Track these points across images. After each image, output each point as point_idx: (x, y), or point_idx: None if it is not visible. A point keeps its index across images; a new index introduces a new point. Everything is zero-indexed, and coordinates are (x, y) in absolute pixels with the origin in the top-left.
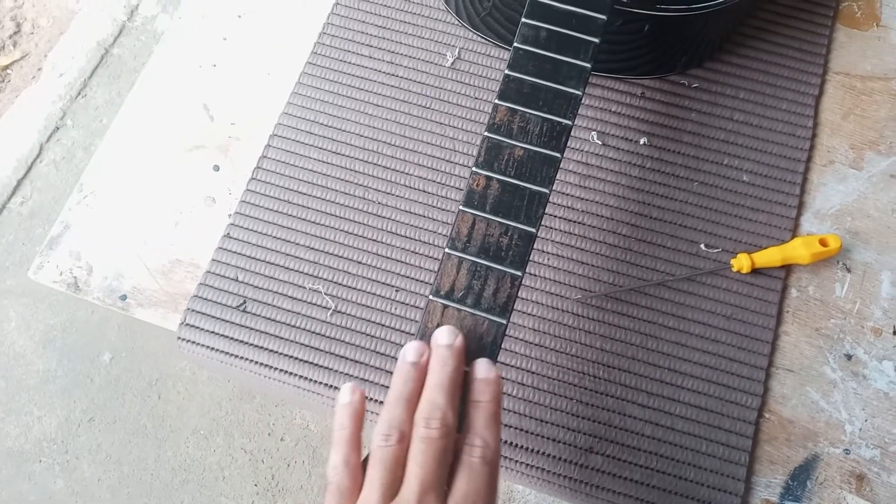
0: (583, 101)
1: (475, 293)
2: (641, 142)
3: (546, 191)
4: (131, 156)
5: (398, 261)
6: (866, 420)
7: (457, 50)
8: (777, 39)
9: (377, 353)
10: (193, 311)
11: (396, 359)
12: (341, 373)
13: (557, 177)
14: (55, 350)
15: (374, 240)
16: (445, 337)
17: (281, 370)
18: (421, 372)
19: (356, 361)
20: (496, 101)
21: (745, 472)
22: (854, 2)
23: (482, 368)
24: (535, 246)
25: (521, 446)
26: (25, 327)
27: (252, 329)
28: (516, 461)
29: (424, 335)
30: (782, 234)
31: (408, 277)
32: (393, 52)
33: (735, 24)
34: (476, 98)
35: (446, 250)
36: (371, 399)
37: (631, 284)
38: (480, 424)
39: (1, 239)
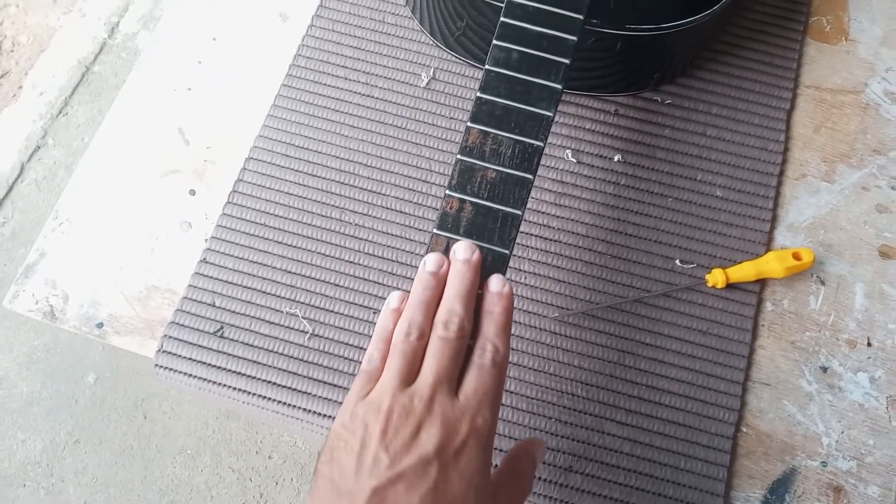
0: (557, 120)
1: None
2: (616, 159)
3: (519, 212)
4: (107, 182)
5: (376, 282)
6: (843, 432)
7: (432, 70)
8: (749, 54)
9: (354, 376)
10: (170, 337)
11: None
12: (320, 397)
13: (533, 195)
14: (39, 371)
15: (351, 262)
16: (463, 252)
17: (259, 395)
18: (439, 281)
19: (335, 385)
20: (468, 123)
21: (724, 488)
22: (823, 16)
23: (495, 283)
24: (511, 265)
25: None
26: (8, 349)
27: (230, 355)
28: None
29: None
30: (756, 248)
31: (384, 299)
32: (368, 72)
33: (706, 41)
34: (451, 118)
35: None
36: None
37: (607, 301)
38: (492, 332)
39: None
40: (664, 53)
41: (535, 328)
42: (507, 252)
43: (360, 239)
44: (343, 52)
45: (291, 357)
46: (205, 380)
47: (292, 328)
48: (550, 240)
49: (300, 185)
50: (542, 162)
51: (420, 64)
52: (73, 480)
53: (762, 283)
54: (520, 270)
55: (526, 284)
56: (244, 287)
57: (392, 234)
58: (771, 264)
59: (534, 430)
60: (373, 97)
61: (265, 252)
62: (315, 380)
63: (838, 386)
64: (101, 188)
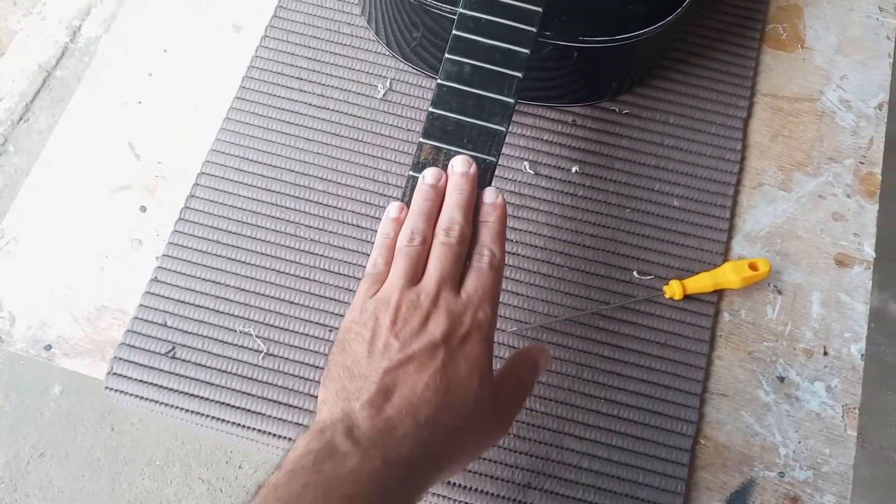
0: (514, 131)
1: None
2: (573, 170)
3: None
4: (54, 199)
5: (332, 299)
6: (800, 442)
7: (388, 81)
8: (706, 63)
9: (311, 396)
10: (121, 359)
11: None
12: (275, 418)
13: None
14: (2, 384)
15: (306, 278)
16: (461, 165)
17: (213, 417)
18: (438, 193)
19: (290, 406)
20: (420, 139)
21: (682, 501)
22: (779, 24)
23: (489, 195)
24: None
25: (458, 485)
26: None
27: (182, 376)
28: (453, 500)
29: None
30: (714, 259)
31: (341, 316)
32: (323, 84)
33: (663, 50)
34: (409, 130)
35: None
36: None
37: (565, 315)
38: (488, 239)
39: None
40: (620, 64)
41: (494, 343)
42: None
43: (316, 254)
44: (298, 63)
45: (245, 377)
46: (156, 402)
47: (246, 347)
48: (508, 252)
49: (254, 199)
50: (499, 174)
51: (377, 75)
52: (38, 495)
53: (720, 293)
54: None
55: None
56: (197, 306)
57: (348, 249)
58: (727, 275)
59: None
60: (328, 109)
61: (218, 269)
62: (270, 400)
63: (795, 395)
64: (49, 205)
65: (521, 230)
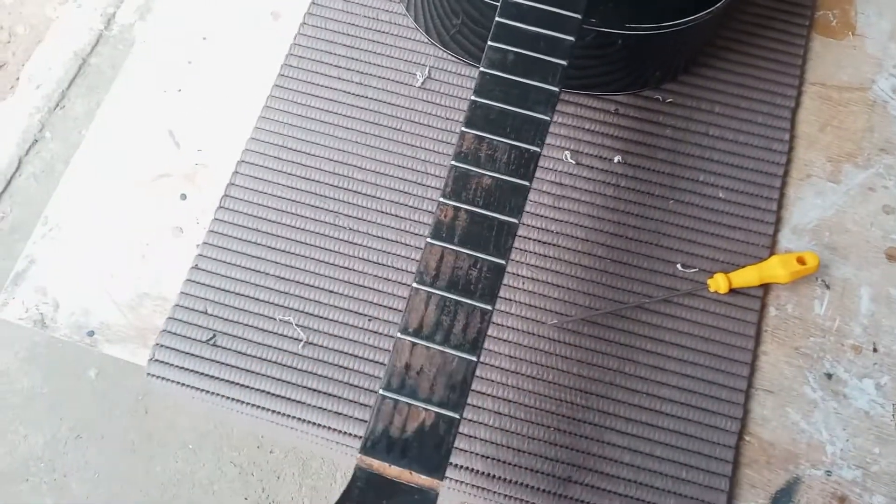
0: (555, 120)
1: (444, 329)
2: (616, 160)
3: (515, 221)
4: (96, 187)
5: (370, 288)
6: (847, 440)
7: (427, 69)
8: (752, 50)
9: (350, 385)
10: (162, 346)
11: (369, 391)
12: (314, 406)
13: (530, 198)
14: (39, 367)
15: (345, 267)
16: None
17: (252, 405)
18: None
19: (329, 394)
20: (462, 128)
21: (726, 498)
22: (829, 10)
23: None
24: (508, 270)
25: (499, 477)
26: (8, 344)
27: (222, 363)
28: (494, 492)
29: (393, 374)
30: (760, 252)
31: (381, 305)
32: (362, 72)
33: (709, 38)
34: (447, 118)
35: (414, 285)
36: (347, 433)
37: (607, 307)
38: None
39: None
40: (665, 52)
41: (534, 335)
42: (502, 262)
43: (355, 244)
44: (336, 51)
45: (285, 366)
46: (197, 389)
47: (286, 336)
48: (549, 244)
49: (293, 188)
50: (540, 163)
51: (415, 63)
52: (76, 475)
53: (765, 287)
54: (517, 276)
55: (524, 290)
56: (237, 294)
57: (387, 239)
58: (775, 269)
59: (532, 440)
60: (367, 97)
61: (258, 258)
62: (309, 389)
63: (843, 393)
64: (91, 193)
65: (562, 221)
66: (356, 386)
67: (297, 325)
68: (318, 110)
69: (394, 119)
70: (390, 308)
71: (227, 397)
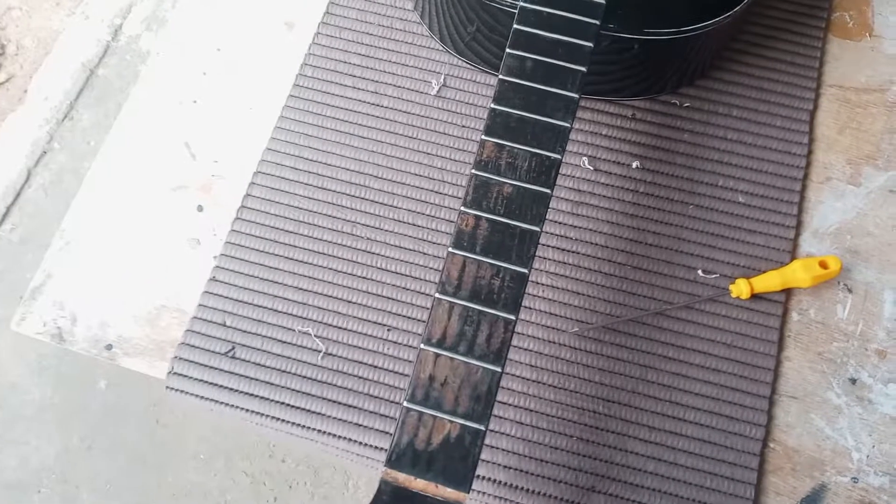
0: (573, 126)
1: (468, 340)
2: (634, 165)
3: (537, 229)
4: (112, 199)
5: (389, 298)
6: (874, 446)
7: (442, 77)
8: (769, 53)
9: (371, 396)
10: (181, 359)
11: (390, 402)
12: (334, 418)
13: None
14: (50, 378)
15: (363, 277)
16: None
17: (273, 417)
18: None
19: (349, 406)
20: (483, 136)
21: None
22: (846, 12)
23: None
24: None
25: (522, 488)
26: (19, 356)
27: (242, 376)
28: (515, 502)
29: (417, 385)
30: (781, 256)
31: (400, 315)
32: (377, 81)
33: (726, 41)
34: (464, 126)
35: (437, 295)
36: (368, 445)
37: (628, 314)
38: None
39: None
40: (683, 56)
41: (555, 343)
42: (525, 271)
43: (372, 253)
44: (351, 60)
45: (305, 377)
46: (217, 402)
47: (305, 347)
48: (568, 251)
49: (310, 198)
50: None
51: (430, 71)
52: (87, 486)
53: (788, 292)
54: (537, 283)
55: (544, 298)
56: (255, 305)
57: (405, 248)
58: (797, 274)
59: (554, 450)
60: (382, 106)
61: (276, 269)
62: (329, 400)
63: (868, 398)
64: (107, 206)
65: (581, 228)
66: (377, 397)
67: (316, 336)
68: (334, 119)
69: (410, 128)
70: (410, 318)
71: (247, 410)
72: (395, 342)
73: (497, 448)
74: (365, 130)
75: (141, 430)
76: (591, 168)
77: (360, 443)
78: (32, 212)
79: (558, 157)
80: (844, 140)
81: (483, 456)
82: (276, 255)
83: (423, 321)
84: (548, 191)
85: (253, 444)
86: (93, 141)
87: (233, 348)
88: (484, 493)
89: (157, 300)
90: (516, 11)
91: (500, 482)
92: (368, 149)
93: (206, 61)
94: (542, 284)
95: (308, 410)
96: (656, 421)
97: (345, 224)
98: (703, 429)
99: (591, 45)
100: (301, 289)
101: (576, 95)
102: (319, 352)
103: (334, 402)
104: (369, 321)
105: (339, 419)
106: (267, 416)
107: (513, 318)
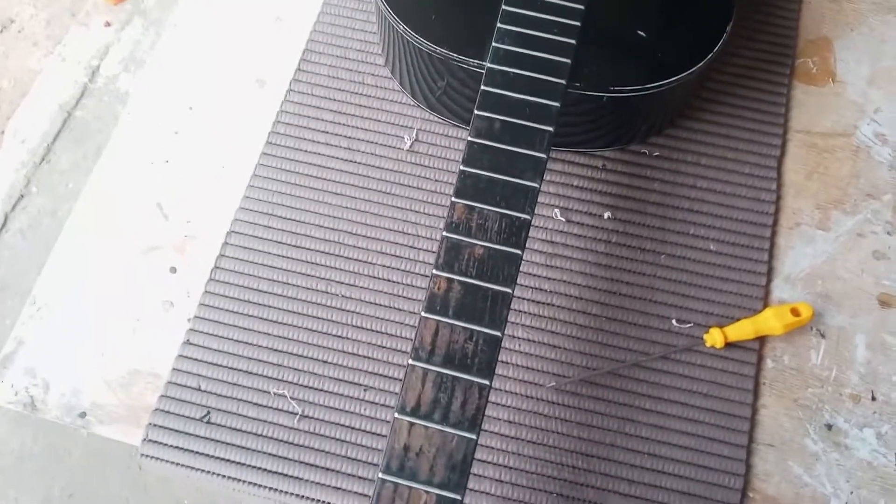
0: (544, 178)
1: (442, 407)
2: (605, 216)
3: (509, 290)
4: (84, 262)
5: (365, 357)
6: (852, 492)
7: (415, 132)
8: (736, 101)
9: (349, 458)
10: (155, 425)
11: (368, 463)
12: (311, 482)
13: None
14: (29, 426)
15: (338, 336)
16: None
17: (250, 483)
18: None
19: (327, 469)
20: (453, 198)
21: None
22: (809, 58)
23: None
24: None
25: None
26: None
27: (217, 441)
28: None
29: (392, 456)
30: (754, 304)
31: (376, 374)
32: (350, 137)
33: (693, 92)
34: (437, 181)
35: (410, 362)
36: None
37: (605, 367)
38: None
39: None
40: (650, 109)
41: (532, 398)
42: (498, 334)
43: (348, 311)
44: (323, 117)
45: (281, 441)
46: (192, 468)
47: (281, 410)
48: (543, 303)
49: (284, 256)
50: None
51: (403, 126)
52: None
53: (761, 339)
54: (513, 337)
55: (520, 352)
56: (230, 368)
57: (380, 305)
58: (769, 322)
59: None
60: (355, 162)
61: (250, 330)
62: (306, 464)
63: (844, 444)
64: (80, 269)
65: (555, 279)
66: (355, 459)
67: (291, 398)
68: (308, 177)
69: (383, 183)
70: (386, 376)
71: (224, 476)
72: (372, 402)
73: None
74: (339, 187)
75: (123, 477)
76: (564, 220)
77: None
78: (9, 257)
79: (528, 217)
80: (812, 185)
81: None
82: (251, 315)
83: (400, 379)
84: (518, 251)
85: (243, 495)
86: (71, 183)
87: (208, 413)
88: None
89: (131, 364)
90: (483, 72)
91: None
92: (342, 205)
93: (177, 120)
94: (518, 338)
95: (285, 475)
96: (636, 474)
97: (319, 282)
98: (682, 480)
99: (558, 104)
100: (276, 350)
101: (544, 155)
102: (295, 414)
103: (311, 465)
104: (345, 381)
105: (317, 482)
106: (243, 481)
107: (487, 383)
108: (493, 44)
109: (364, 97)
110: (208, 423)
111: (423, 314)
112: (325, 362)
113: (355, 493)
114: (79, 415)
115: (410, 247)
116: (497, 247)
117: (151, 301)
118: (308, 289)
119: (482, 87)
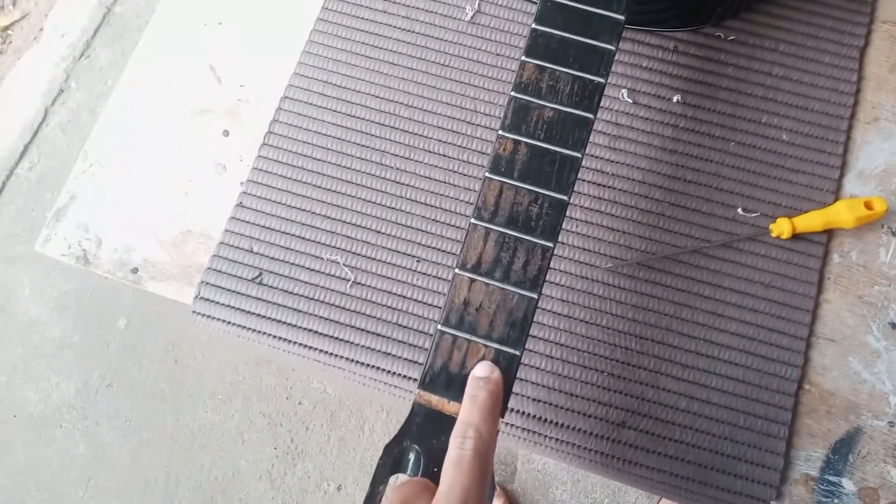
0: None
1: (504, 266)
2: (674, 99)
3: (578, 155)
4: (137, 122)
5: (419, 229)
6: None
7: (476, 2)
8: None
9: (399, 325)
10: (207, 283)
11: (419, 332)
12: (362, 346)
13: (591, 131)
14: (70, 316)
15: (393, 207)
16: (482, 370)
17: (300, 344)
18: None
19: (377, 334)
20: (523, 57)
21: (785, 447)
22: None
23: (482, 369)
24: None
25: (551, 421)
26: (39, 294)
27: (269, 302)
28: (546, 436)
29: (451, 310)
30: (824, 197)
31: (429, 247)
32: (408, 5)
33: None
34: (498, 54)
35: (472, 221)
36: (395, 373)
37: (664, 252)
38: (476, 416)
39: (10, 206)
40: None
41: (587, 279)
42: (565, 198)
43: (402, 184)
44: None
45: (333, 305)
46: (243, 327)
47: (333, 275)
48: (604, 185)
49: (338, 125)
50: None
51: None
52: (107, 423)
53: (829, 234)
54: (570, 218)
55: (577, 233)
56: (282, 232)
57: (435, 179)
58: (841, 214)
59: (585, 385)
60: (413, 32)
61: (303, 196)
62: (357, 328)
63: None
64: (131, 129)
65: (617, 162)
66: (406, 327)
67: (344, 264)
68: (363, 45)
69: (441, 55)
70: (439, 249)
71: (275, 336)
72: (425, 273)
73: (526, 381)
74: (395, 56)
75: (159, 370)
76: (631, 101)
77: (389, 371)
78: (49, 151)
79: (602, 80)
80: (895, 79)
81: (513, 389)
82: (304, 182)
83: (453, 253)
84: (591, 115)
85: (270, 387)
86: (109, 80)
87: (260, 274)
88: (513, 425)
89: (183, 225)
90: None
91: (529, 415)
92: (399, 76)
93: None
94: (577, 219)
95: (336, 338)
96: (690, 359)
97: (374, 153)
98: (737, 368)
99: None
100: (329, 217)
101: (622, 17)
102: (348, 280)
103: (363, 330)
104: (398, 251)
105: (368, 347)
106: (294, 342)
107: (551, 245)
108: None
109: None
110: (260, 283)
111: (487, 175)
112: (379, 232)
113: (404, 359)
114: (131, 270)
115: (468, 122)
116: (568, 109)
117: (203, 164)
118: (362, 159)
119: None
